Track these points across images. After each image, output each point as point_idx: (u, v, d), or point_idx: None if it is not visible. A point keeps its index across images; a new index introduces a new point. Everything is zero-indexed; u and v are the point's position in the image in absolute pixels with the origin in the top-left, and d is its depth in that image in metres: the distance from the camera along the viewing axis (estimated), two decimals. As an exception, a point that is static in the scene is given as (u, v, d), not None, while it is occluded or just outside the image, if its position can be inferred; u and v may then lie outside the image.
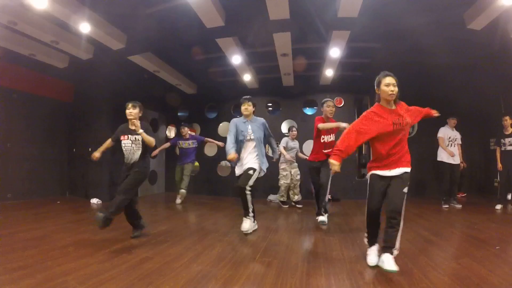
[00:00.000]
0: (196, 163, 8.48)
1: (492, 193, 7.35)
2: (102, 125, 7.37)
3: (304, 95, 8.92)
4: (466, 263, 3.10)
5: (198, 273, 2.88)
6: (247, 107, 4.57)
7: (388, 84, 3.06)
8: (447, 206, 6.52)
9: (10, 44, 5.88)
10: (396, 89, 3.06)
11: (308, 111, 9.20)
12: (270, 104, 9.49)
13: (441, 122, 6.66)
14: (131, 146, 4.02)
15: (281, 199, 7.23)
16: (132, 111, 3.99)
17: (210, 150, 9.60)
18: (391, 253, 2.91)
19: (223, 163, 9.57)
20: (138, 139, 4.00)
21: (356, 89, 8.66)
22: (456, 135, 6.78)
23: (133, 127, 3.98)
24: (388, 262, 2.80)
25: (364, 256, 3.32)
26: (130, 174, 3.98)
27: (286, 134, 7.58)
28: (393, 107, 3.13)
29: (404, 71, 7.17)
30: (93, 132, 7.40)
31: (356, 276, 2.78)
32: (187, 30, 5.49)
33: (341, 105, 8.66)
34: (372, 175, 3.16)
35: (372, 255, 3.18)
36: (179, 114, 10.15)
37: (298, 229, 4.85)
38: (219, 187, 9.11)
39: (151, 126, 8.76)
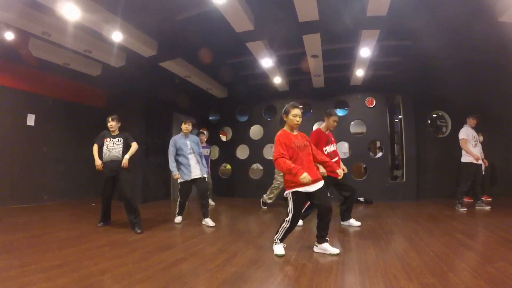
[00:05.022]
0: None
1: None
2: (134, 129, 7.56)
3: (334, 96, 8.83)
4: (502, 267, 2.98)
5: (233, 274, 2.90)
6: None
7: (295, 115, 3.59)
8: (464, 209, 6.21)
9: (44, 54, 6.20)
10: (300, 119, 3.64)
11: (340, 112, 9.11)
12: (301, 106, 9.45)
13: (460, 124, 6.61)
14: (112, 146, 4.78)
15: (267, 200, 7.15)
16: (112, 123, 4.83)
17: (242, 153, 9.70)
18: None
19: (255, 165, 9.65)
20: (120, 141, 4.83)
21: (388, 89, 8.48)
22: (477, 134, 6.49)
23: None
24: None
25: (399, 259, 3.26)
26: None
27: None
28: (295, 133, 3.68)
29: (434, 68, 7.03)
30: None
31: (391, 280, 2.72)
32: (217, 36, 5.61)
33: (372, 106, 8.50)
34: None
35: None
36: (210, 118, 10.33)
37: (331, 232, 4.78)
38: (250, 190, 9.13)
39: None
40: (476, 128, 6.53)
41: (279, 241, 3.61)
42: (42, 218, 5.52)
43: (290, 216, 3.52)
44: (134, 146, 4.85)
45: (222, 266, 3.12)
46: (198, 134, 7.26)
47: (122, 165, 4.64)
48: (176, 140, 5.38)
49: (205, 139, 7.64)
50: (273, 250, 3.58)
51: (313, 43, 5.77)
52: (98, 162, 4.73)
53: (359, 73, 7.32)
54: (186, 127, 5.38)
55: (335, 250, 3.49)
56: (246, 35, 5.47)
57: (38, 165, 6.96)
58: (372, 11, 4.81)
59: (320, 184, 3.53)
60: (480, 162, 6.32)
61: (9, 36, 5.35)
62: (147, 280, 2.72)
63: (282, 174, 6.91)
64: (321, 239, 3.62)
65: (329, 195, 3.67)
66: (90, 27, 5.14)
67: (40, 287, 2.48)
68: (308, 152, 3.61)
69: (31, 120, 6.89)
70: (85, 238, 4.18)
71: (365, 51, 6.09)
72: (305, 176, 3.25)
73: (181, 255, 3.51)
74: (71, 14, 4.60)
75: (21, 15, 4.79)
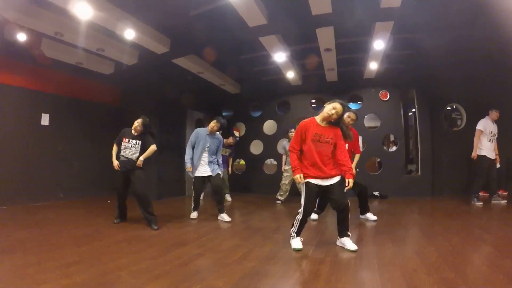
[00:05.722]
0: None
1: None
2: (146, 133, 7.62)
3: (348, 90, 8.75)
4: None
5: (251, 269, 2.89)
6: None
7: (334, 109, 3.45)
8: (480, 203, 6.12)
9: (57, 54, 6.25)
10: (336, 117, 3.50)
11: (354, 106, 9.04)
12: (314, 101, 9.42)
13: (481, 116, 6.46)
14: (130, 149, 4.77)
15: (279, 197, 7.29)
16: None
17: (255, 148, 9.71)
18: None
19: (269, 161, 9.65)
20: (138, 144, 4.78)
21: (402, 82, 8.39)
22: (496, 129, 6.31)
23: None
24: None
25: (418, 254, 3.25)
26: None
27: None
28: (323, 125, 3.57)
29: (449, 60, 6.89)
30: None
31: (410, 274, 2.70)
32: (230, 31, 5.59)
33: (386, 99, 8.41)
34: None
35: None
36: (223, 114, 10.35)
37: None
38: (265, 185, 9.13)
39: (197, 125, 9.12)
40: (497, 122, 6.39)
41: (295, 235, 3.60)
42: (58, 215, 5.56)
43: (302, 207, 3.54)
44: (152, 148, 4.79)
45: (240, 262, 3.10)
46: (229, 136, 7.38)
47: (136, 165, 4.68)
48: (199, 133, 5.38)
49: (233, 142, 7.72)
50: (290, 245, 3.56)
51: (326, 36, 5.71)
52: (115, 163, 4.75)
53: (373, 66, 7.24)
54: (212, 126, 5.28)
55: (353, 247, 3.45)
56: (259, 30, 5.44)
57: (54, 163, 7.06)
58: (386, 3, 4.75)
59: (334, 180, 3.48)
60: (493, 156, 6.24)
61: (22, 37, 5.38)
62: (164, 276, 2.71)
63: (288, 168, 7.09)
64: (340, 233, 3.62)
65: (345, 190, 3.58)
66: (102, 26, 5.17)
67: (57, 284, 2.45)
68: (327, 149, 3.48)
69: (45, 119, 6.97)
70: (101, 234, 4.19)
71: (379, 44, 6.00)
72: (297, 177, 3.49)
73: (198, 251, 3.49)
74: (84, 13, 4.62)
75: (33, 16, 4.84)
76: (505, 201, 6.23)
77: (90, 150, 7.84)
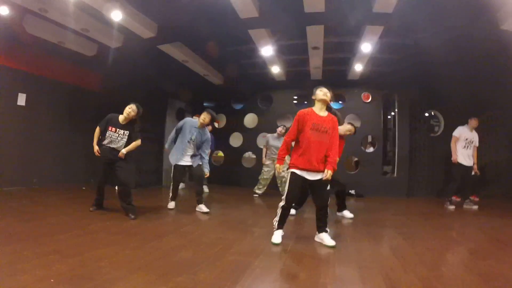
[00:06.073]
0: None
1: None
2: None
3: (331, 89, 8.79)
4: (493, 264, 3.06)
5: (232, 262, 2.90)
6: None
7: (322, 91, 3.65)
8: (453, 207, 6.37)
9: (39, 31, 5.90)
10: (329, 97, 3.68)
11: (335, 106, 9.14)
12: (296, 97, 9.47)
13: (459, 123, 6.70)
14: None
15: (256, 191, 7.36)
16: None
17: (235, 141, 9.68)
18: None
19: (247, 154, 9.65)
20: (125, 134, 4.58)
21: (384, 85, 8.55)
22: (474, 137, 6.51)
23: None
24: None
25: (394, 252, 3.36)
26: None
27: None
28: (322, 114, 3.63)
29: (433, 67, 7.07)
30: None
31: (387, 271, 2.78)
32: (220, 21, 5.50)
33: (368, 101, 8.56)
34: None
35: None
36: (205, 104, 10.24)
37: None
38: (243, 178, 9.14)
39: (178, 115, 8.96)
40: (478, 129, 6.61)
41: (277, 226, 3.65)
42: (33, 202, 5.24)
43: (285, 194, 3.62)
44: (136, 143, 4.63)
45: (221, 254, 3.10)
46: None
47: (119, 155, 4.53)
48: (187, 122, 5.30)
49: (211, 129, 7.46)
50: (270, 238, 3.60)
51: (316, 34, 5.74)
52: (95, 148, 4.53)
53: (358, 67, 7.34)
54: (203, 118, 5.18)
55: (331, 242, 3.52)
56: (250, 22, 5.39)
57: (28, 147, 6.70)
58: (378, 7, 4.81)
59: (321, 175, 3.50)
60: (469, 163, 6.44)
61: (3, 10, 5.07)
62: (146, 267, 2.66)
63: (266, 163, 7.16)
64: (319, 229, 3.67)
65: (328, 187, 3.63)
66: (89, 4, 4.96)
67: (34, 275, 2.34)
68: (325, 139, 3.51)
69: (21, 99, 6.59)
70: (78, 223, 4.02)
71: (366, 47, 6.09)
72: (277, 166, 3.68)
73: (178, 242, 3.47)
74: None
75: None
76: (476, 207, 6.47)
77: (67, 135, 7.50)
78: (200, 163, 5.28)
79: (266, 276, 2.65)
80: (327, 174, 3.42)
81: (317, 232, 3.70)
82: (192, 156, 5.24)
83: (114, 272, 2.51)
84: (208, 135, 5.38)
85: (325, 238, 3.58)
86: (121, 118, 4.56)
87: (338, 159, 5.00)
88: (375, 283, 2.52)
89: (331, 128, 3.53)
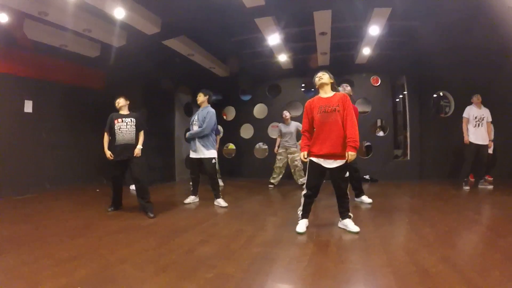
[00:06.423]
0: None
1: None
2: (134, 111, 7.32)
3: (340, 74, 8.70)
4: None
5: (259, 254, 2.87)
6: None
7: (317, 76, 3.66)
8: (468, 187, 6.32)
9: (40, 36, 5.85)
10: (322, 79, 3.63)
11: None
12: (304, 85, 9.38)
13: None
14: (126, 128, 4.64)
15: (271, 180, 7.34)
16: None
17: (246, 132, 9.63)
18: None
19: (258, 145, 9.62)
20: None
21: (393, 68, 8.44)
22: (484, 113, 6.41)
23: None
24: None
25: (417, 234, 3.33)
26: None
27: None
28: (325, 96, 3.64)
29: (440, 49, 6.94)
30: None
31: (413, 253, 2.78)
32: (225, 11, 5.40)
33: (377, 84, 8.45)
34: None
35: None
36: (213, 97, 10.15)
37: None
38: (256, 169, 9.12)
39: (185, 110, 8.91)
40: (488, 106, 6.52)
41: (301, 216, 3.65)
42: (47, 207, 5.16)
43: (304, 184, 3.66)
44: (142, 134, 4.72)
45: (246, 247, 3.08)
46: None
47: (135, 155, 4.54)
48: (195, 111, 5.40)
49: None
50: (292, 228, 3.59)
51: (323, 20, 5.63)
52: (107, 153, 4.57)
53: (366, 51, 7.21)
54: (197, 98, 5.40)
55: (355, 228, 3.50)
56: (256, 11, 5.27)
57: (38, 152, 6.65)
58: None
59: (336, 163, 3.45)
60: (483, 142, 6.37)
61: (3, 18, 4.99)
62: (172, 266, 2.62)
63: (282, 151, 7.16)
64: (342, 215, 3.66)
65: (346, 175, 3.57)
66: (90, 4, 4.85)
67: (58, 283, 2.27)
68: (335, 118, 3.41)
69: (28, 106, 6.53)
70: (95, 225, 3.98)
71: (374, 30, 5.97)
72: (300, 154, 3.68)
73: (200, 238, 3.42)
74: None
75: None
76: (491, 186, 6.40)
77: (76, 137, 7.45)
78: (210, 156, 5.16)
79: (296, 266, 2.62)
80: (348, 157, 3.35)
81: (340, 219, 3.69)
82: (199, 140, 5.19)
83: (139, 273, 2.48)
84: (210, 110, 5.29)
85: (349, 224, 3.57)
86: (120, 111, 4.75)
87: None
88: (404, 266, 2.52)
89: (340, 105, 3.43)
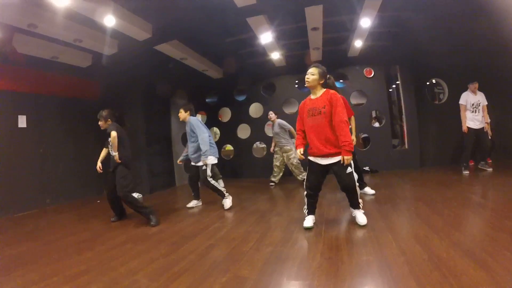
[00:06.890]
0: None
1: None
2: (130, 119, 7.02)
3: (333, 69, 8.70)
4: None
5: (271, 254, 2.86)
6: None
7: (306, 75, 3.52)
8: (467, 172, 6.39)
9: (30, 48, 5.77)
10: (310, 78, 3.48)
11: (339, 85, 9.04)
12: (297, 81, 9.38)
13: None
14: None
15: (272, 179, 7.39)
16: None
17: (243, 132, 9.61)
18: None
19: (255, 145, 9.60)
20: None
21: (385, 59, 8.45)
22: (480, 98, 6.47)
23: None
24: None
25: (424, 222, 3.34)
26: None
27: None
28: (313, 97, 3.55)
29: (432, 36, 6.98)
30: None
31: (424, 241, 2.79)
32: (217, 12, 5.38)
33: (371, 76, 8.47)
34: None
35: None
36: (207, 100, 10.15)
37: (345, 205, 4.46)
38: (256, 169, 9.09)
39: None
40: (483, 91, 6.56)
41: (307, 213, 3.67)
42: (50, 223, 5.09)
43: (304, 182, 3.68)
44: (111, 136, 4.43)
45: (257, 248, 3.07)
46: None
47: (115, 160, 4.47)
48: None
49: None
50: (300, 226, 3.62)
51: (314, 15, 5.63)
52: (98, 165, 4.69)
53: (358, 44, 7.22)
54: (178, 115, 5.40)
55: (363, 221, 3.50)
56: (248, 10, 5.25)
57: (36, 168, 6.52)
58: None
59: (333, 159, 3.39)
60: (480, 125, 6.41)
61: None
62: (185, 273, 2.59)
63: (277, 150, 7.19)
64: (352, 206, 3.66)
65: (348, 171, 3.44)
66: (80, 13, 4.81)
67: None
68: (321, 121, 3.37)
69: (22, 122, 6.38)
70: (101, 237, 3.91)
71: (365, 22, 5.98)
72: (297, 151, 3.64)
73: (209, 242, 3.40)
74: (60, 0, 4.31)
75: (3, 7, 4.40)
76: (491, 169, 6.46)
77: (73, 150, 7.34)
78: (200, 163, 5.19)
79: (309, 263, 2.62)
80: (344, 161, 3.30)
81: (351, 208, 3.70)
82: (195, 153, 5.26)
83: (153, 283, 2.44)
84: (191, 121, 5.22)
85: (358, 215, 3.58)
86: None
87: (353, 117, 4.84)
88: (416, 254, 2.54)
89: (327, 105, 3.34)
